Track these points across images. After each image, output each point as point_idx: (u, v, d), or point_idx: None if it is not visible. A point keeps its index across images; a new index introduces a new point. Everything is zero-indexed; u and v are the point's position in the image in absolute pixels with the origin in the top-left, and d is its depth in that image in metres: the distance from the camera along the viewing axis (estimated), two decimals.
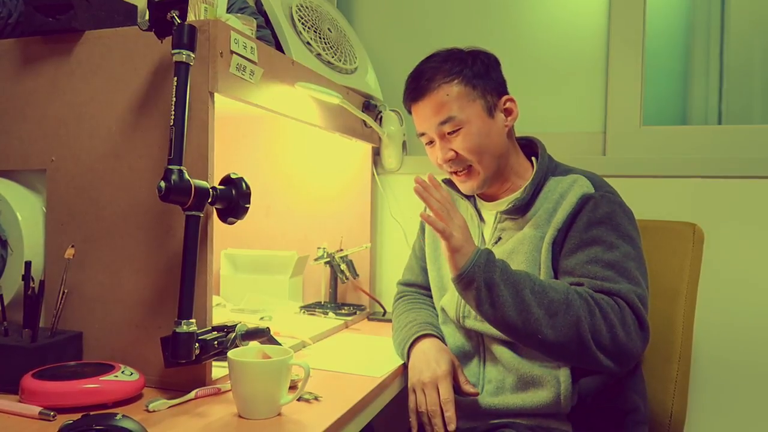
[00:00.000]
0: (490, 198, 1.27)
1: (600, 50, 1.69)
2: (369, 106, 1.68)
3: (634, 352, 1.03)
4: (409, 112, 1.27)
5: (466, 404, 1.16)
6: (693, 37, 1.73)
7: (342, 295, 1.73)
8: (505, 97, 1.22)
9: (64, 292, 1.05)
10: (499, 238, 1.21)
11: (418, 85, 1.21)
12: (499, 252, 1.17)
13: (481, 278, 1.02)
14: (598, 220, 1.10)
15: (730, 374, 1.53)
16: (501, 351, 1.15)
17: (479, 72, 1.20)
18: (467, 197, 1.29)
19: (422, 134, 1.24)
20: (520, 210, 1.18)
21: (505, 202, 1.22)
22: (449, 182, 1.32)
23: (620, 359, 1.02)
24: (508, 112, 1.22)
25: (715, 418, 1.54)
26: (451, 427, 1.11)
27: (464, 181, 1.23)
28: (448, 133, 1.19)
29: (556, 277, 1.13)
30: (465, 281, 1.04)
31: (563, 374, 1.09)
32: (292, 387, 0.98)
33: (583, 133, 1.68)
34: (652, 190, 1.58)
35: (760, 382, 1.51)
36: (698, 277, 1.31)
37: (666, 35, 1.73)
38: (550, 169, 1.21)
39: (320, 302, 1.70)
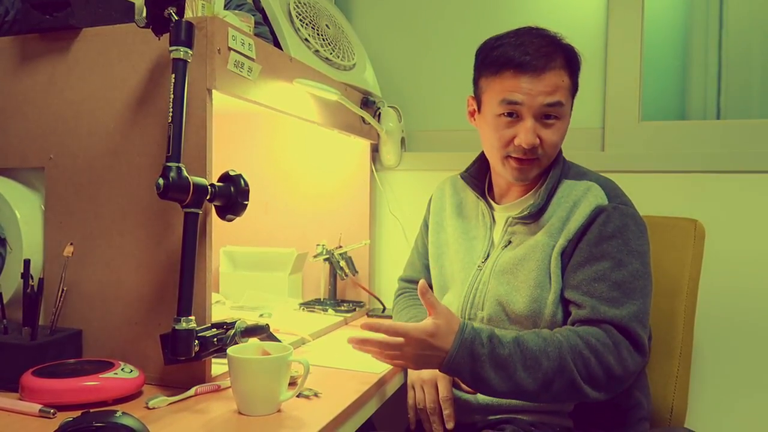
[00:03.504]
0: (501, 199, 1.26)
1: (598, 46, 1.69)
2: (367, 102, 1.67)
3: (629, 378, 1.05)
4: (492, 71, 1.14)
5: (465, 400, 1.16)
6: (691, 32, 1.72)
7: (341, 291, 1.73)
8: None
9: (63, 289, 1.05)
10: (509, 242, 1.19)
11: (544, 56, 1.11)
12: (509, 256, 1.16)
13: (465, 372, 0.99)
14: (609, 234, 1.09)
15: (730, 370, 1.53)
16: None
17: (578, 72, 1.18)
18: (481, 196, 1.27)
19: (512, 103, 1.11)
20: (533, 215, 1.17)
21: (518, 206, 1.21)
22: (468, 177, 1.29)
23: (615, 389, 1.04)
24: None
25: (715, 413, 1.54)
26: (450, 425, 1.11)
27: (525, 169, 1.15)
28: (545, 117, 1.13)
29: (563, 287, 1.11)
30: (449, 373, 1.02)
31: None
32: (292, 383, 0.99)
33: (582, 129, 1.68)
34: (651, 186, 1.58)
35: (761, 378, 1.51)
36: (699, 273, 1.31)
37: (664, 30, 1.73)
38: (564, 171, 1.20)
39: (319, 299, 1.70)
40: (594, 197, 1.13)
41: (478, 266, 1.22)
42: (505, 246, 1.19)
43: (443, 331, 0.99)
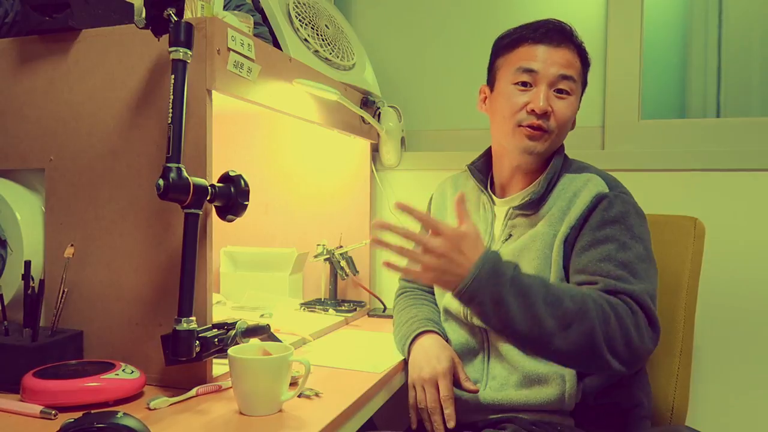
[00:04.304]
0: (502, 193, 1.27)
1: (598, 44, 1.69)
2: (367, 102, 1.67)
3: (646, 354, 1.02)
4: (509, 48, 1.20)
5: (466, 399, 1.16)
6: (691, 29, 1.72)
7: (342, 291, 1.73)
8: None
9: (64, 291, 1.05)
10: (510, 235, 1.20)
11: (559, 33, 1.18)
12: (509, 249, 1.17)
13: (486, 294, 0.95)
14: (612, 219, 1.09)
15: (731, 368, 1.53)
16: (507, 349, 1.15)
17: (587, 70, 1.23)
18: (484, 190, 1.27)
19: (528, 71, 1.16)
20: (533, 205, 1.17)
21: (519, 197, 1.21)
22: (474, 169, 1.30)
23: (632, 362, 1.01)
24: None
25: (716, 411, 1.54)
26: (451, 424, 1.11)
27: (536, 139, 1.16)
28: (557, 90, 1.16)
29: (566, 276, 1.11)
30: (466, 297, 0.97)
31: (569, 373, 1.09)
32: (293, 383, 0.99)
33: (582, 128, 1.66)
34: (651, 184, 1.58)
35: (762, 376, 1.51)
36: (699, 271, 1.31)
37: (664, 28, 1.73)
38: (565, 166, 1.21)
39: (320, 299, 1.70)
40: (594, 186, 1.14)
41: None
42: (506, 240, 1.20)
43: (472, 240, 0.97)
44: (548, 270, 1.12)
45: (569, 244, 1.12)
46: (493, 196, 1.27)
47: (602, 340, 0.97)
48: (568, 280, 1.11)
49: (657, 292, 1.08)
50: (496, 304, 0.96)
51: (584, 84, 1.23)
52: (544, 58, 1.16)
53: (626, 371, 1.01)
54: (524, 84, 1.17)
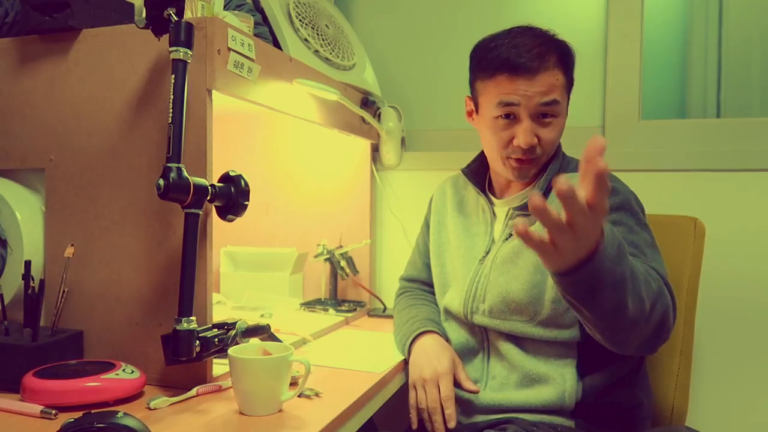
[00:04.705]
0: (501, 194, 1.27)
1: (598, 44, 1.69)
2: (367, 102, 1.67)
3: (667, 337, 0.99)
4: (487, 74, 1.15)
5: (467, 400, 1.16)
6: (691, 29, 1.72)
7: (342, 291, 1.74)
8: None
9: (64, 290, 1.05)
10: (510, 235, 1.20)
11: (537, 57, 1.11)
12: (510, 247, 1.17)
13: (608, 262, 0.81)
14: (617, 205, 1.10)
15: (731, 368, 1.53)
16: (507, 348, 1.15)
17: (573, 68, 1.18)
18: (482, 191, 1.28)
19: (509, 104, 1.12)
20: None
21: (518, 198, 1.22)
22: (469, 173, 1.30)
23: (660, 345, 0.99)
24: None
25: (716, 411, 1.54)
26: (451, 424, 1.11)
27: (524, 168, 1.16)
28: (542, 116, 1.13)
29: None
30: (592, 280, 0.81)
31: (569, 372, 1.09)
32: (293, 383, 0.99)
33: (582, 128, 1.68)
34: (651, 184, 1.58)
35: (762, 376, 1.51)
36: (699, 271, 1.31)
37: (664, 28, 1.73)
38: (563, 165, 1.21)
39: (320, 299, 1.70)
40: None
41: (480, 260, 1.22)
42: (506, 239, 1.20)
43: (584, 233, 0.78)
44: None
45: None
46: (492, 198, 1.27)
47: (670, 326, 0.94)
48: None
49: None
50: (617, 285, 0.83)
51: (570, 86, 1.19)
52: (524, 91, 1.11)
53: (646, 354, 0.99)
54: (507, 116, 1.14)
